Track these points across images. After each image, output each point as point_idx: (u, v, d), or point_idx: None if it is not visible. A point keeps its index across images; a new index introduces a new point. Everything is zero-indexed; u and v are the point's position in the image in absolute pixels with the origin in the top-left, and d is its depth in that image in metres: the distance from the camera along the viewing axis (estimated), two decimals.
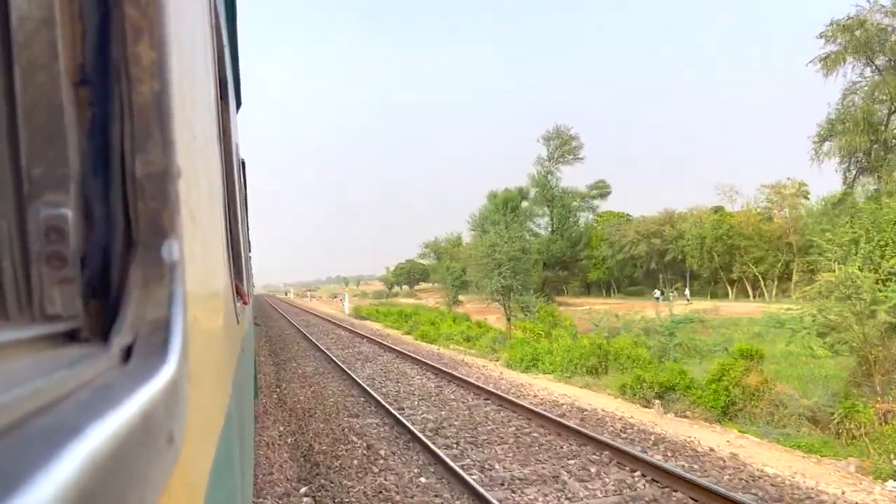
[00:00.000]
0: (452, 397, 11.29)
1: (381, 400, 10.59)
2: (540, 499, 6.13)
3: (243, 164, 5.24)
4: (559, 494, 6.22)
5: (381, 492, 6.41)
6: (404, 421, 8.98)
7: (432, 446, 7.62)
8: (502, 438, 8.34)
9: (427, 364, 15.14)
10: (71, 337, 0.49)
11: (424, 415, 9.87)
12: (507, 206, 54.90)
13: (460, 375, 13.21)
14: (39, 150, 0.48)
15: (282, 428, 9.41)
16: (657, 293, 45.05)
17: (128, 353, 0.49)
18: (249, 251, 7.35)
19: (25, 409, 0.33)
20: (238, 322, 2.02)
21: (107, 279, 0.51)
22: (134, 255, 0.52)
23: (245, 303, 3.06)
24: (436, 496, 6.22)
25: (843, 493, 6.45)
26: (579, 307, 38.42)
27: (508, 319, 29.67)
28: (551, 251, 57.09)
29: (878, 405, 10.22)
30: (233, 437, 1.36)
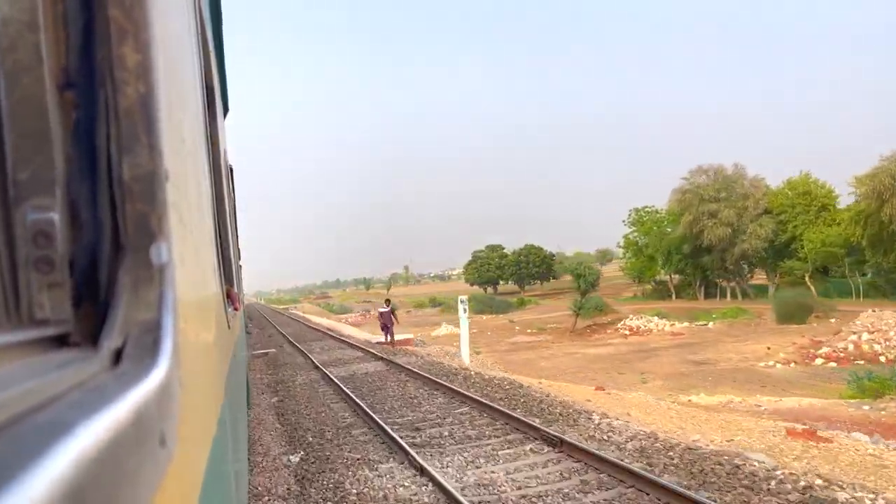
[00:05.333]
0: None
1: None
2: None
3: (231, 170, 5.21)
4: None
5: None
6: None
7: None
8: None
9: None
10: (60, 341, 0.49)
11: None
12: None
13: None
14: (25, 155, 0.48)
15: None
16: None
17: (118, 357, 0.48)
18: (239, 258, 7.29)
19: (15, 410, 0.33)
20: (229, 327, 2.01)
21: (95, 283, 0.51)
22: (122, 259, 0.52)
23: (236, 309, 3.04)
24: None
25: None
26: None
27: None
28: None
29: None
30: (226, 441, 1.35)
